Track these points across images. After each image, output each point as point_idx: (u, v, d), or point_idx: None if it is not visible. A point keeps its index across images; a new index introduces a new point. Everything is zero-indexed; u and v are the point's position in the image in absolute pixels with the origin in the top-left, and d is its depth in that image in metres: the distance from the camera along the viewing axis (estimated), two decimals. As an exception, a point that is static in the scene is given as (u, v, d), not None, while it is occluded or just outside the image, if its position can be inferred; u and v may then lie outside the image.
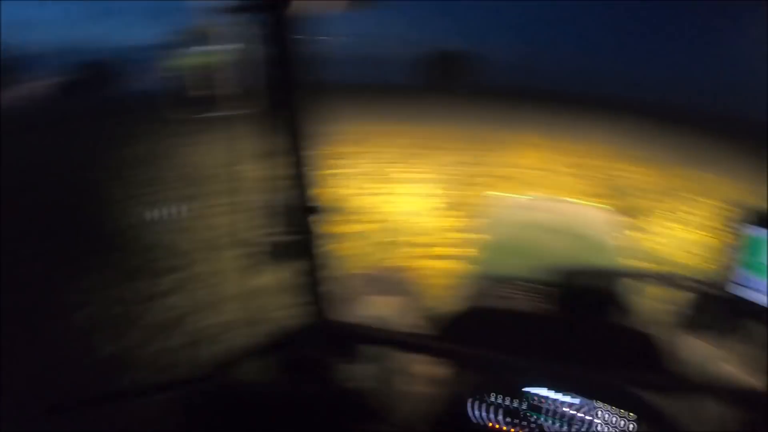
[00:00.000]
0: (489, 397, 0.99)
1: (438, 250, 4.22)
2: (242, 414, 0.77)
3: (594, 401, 0.96)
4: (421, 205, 5.41)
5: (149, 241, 4.21)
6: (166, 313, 3.09)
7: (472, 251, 1.80)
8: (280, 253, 0.99)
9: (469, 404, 0.99)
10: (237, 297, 3.22)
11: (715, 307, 0.79)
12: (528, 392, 0.99)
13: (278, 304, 2.57)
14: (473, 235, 1.93)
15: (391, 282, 1.87)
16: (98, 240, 4.16)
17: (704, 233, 4.58)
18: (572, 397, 0.97)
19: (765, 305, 0.67)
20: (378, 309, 1.53)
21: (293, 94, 0.85)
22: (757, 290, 0.68)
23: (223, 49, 0.87)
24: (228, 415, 0.77)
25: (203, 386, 0.81)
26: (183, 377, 0.80)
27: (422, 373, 1.48)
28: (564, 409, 0.97)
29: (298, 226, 0.93)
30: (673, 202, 6.03)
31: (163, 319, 3.01)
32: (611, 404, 0.95)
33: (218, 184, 5.92)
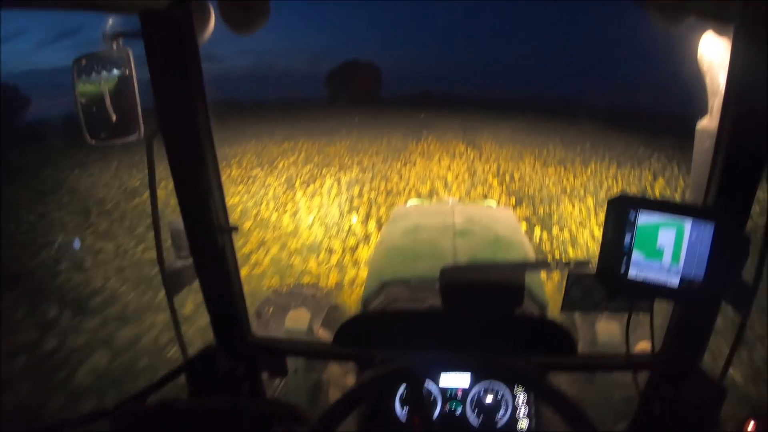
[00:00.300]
0: (405, 393, 1.04)
1: (344, 259, 4.31)
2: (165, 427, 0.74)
3: (504, 387, 1.04)
4: (325, 215, 5.56)
5: (55, 268, 4.06)
6: (79, 339, 2.98)
7: (377, 257, 1.83)
8: (188, 275, 0.97)
9: (388, 402, 1.03)
10: (152, 319, 3.07)
11: (612, 290, 0.90)
12: (441, 385, 1.04)
13: (193, 325, 2.51)
14: (381, 243, 1.94)
15: (301, 296, 1.89)
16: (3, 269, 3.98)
17: (600, 221, 5.08)
18: (483, 385, 1.04)
19: (658, 285, 0.76)
20: (291, 322, 1.54)
21: (192, 116, 0.86)
22: (650, 272, 0.76)
23: (121, 75, 0.85)
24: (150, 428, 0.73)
25: (128, 409, 0.76)
26: (106, 404, 0.75)
27: (346, 379, 1.51)
28: (477, 397, 1.03)
29: (205, 247, 0.92)
30: (571, 194, 6.84)
31: (79, 345, 2.91)
32: (520, 389, 1.05)
33: (121, 209, 5.75)
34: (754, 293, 0.89)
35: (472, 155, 10.44)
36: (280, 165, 8.84)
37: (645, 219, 0.76)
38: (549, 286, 2.84)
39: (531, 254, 1.76)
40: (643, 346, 1.20)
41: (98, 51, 0.96)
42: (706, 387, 0.92)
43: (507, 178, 8.10)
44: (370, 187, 7.12)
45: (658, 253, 0.76)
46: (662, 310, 0.96)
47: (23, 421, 2.12)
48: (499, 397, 1.02)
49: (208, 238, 0.89)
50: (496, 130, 14.67)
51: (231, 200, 6.10)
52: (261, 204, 6.20)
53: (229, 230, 0.91)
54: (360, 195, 6.60)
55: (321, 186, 7.15)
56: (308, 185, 7.24)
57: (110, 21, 0.94)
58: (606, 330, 1.35)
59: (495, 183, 7.64)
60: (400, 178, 7.89)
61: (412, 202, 2.80)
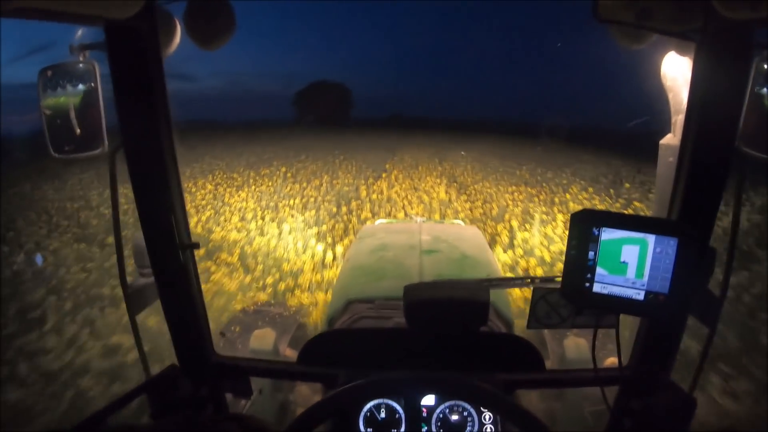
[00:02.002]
0: (371, 413, 1.01)
1: (312, 278, 4.25)
2: None
3: (469, 406, 1.02)
4: (292, 234, 5.50)
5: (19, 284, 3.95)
6: (46, 358, 2.89)
7: (343, 275, 1.81)
8: (151, 292, 0.94)
9: (352, 422, 1.01)
10: (114, 337, 3.00)
11: (578, 305, 0.90)
12: (410, 403, 1.02)
13: (157, 344, 2.45)
14: (347, 261, 1.94)
15: (268, 315, 1.86)
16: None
17: (564, 237, 5.25)
18: (449, 404, 1.01)
19: (623, 300, 0.76)
20: (256, 342, 1.51)
21: (156, 131, 0.84)
22: (615, 287, 0.77)
23: (87, 88, 0.83)
24: None
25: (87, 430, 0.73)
26: (70, 424, 0.72)
27: (314, 397, 1.48)
28: (443, 416, 1.01)
29: (167, 264, 0.90)
30: (537, 209, 7.02)
31: (46, 366, 2.80)
32: (487, 407, 1.03)
33: (86, 224, 5.64)
34: (720, 306, 0.90)
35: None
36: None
37: (608, 235, 0.76)
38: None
39: (497, 272, 1.77)
40: (612, 360, 1.20)
41: (64, 62, 0.94)
42: (676, 399, 0.92)
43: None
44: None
45: (622, 268, 0.77)
46: (630, 324, 0.96)
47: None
48: (465, 415, 1.01)
49: (170, 255, 0.87)
50: (467, 149, 15.14)
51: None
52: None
53: (191, 247, 0.89)
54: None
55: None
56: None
57: (79, 32, 0.93)
58: (574, 345, 1.35)
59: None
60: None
61: (380, 221, 2.79)
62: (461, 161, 13.26)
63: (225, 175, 9.78)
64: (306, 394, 1.46)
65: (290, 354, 1.57)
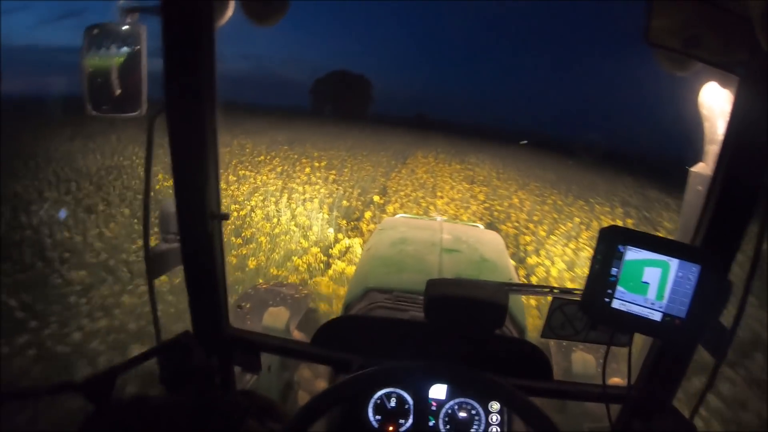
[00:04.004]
0: (381, 401, 1.03)
1: (329, 263, 4.30)
2: (138, 424, 0.72)
3: (478, 405, 1.03)
4: (313, 220, 5.52)
5: (40, 242, 3.96)
6: (58, 316, 2.93)
7: (363, 264, 1.82)
8: (171, 259, 0.95)
9: (361, 409, 1.02)
10: (132, 303, 3.03)
11: (595, 319, 0.91)
12: (420, 395, 1.04)
13: (173, 312, 2.47)
14: (367, 250, 1.94)
15: (279, 294, 1.87)
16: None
17: (586, 254, 5.13)
18: (458, 400, 1.03)
19: (640, 319, 0.77)
20: (270, 320, 1.52)
21: (200, 101, 0.85)
22: (635, 305, 0.77)
23: (131, 50, 0.84)
24: (123, 425, 0.71)
25: (98, 383, 0.74)
26: (78, 382, 0.73)
27: (316, 383, 1.49)
28: (451, 411, 1.03)
29: (195, 233, 0.91)
30: (557, 225, 6.95)
31: (56, 323, 2.85)
32: (495, 407, 1.04)
33: (115, 187, 5.72)
34: (731, 338, 0.91)
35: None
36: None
37: (633, 254, 0.77)
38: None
39: (515, 278, 1.77)
40: (615, 381, 1.21)
41: (112, 23, 0.95)
42: (677, 424, 0.93)
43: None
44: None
45: (642, 288, 0.77)
46: (637, 346, 0.97)
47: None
48: (473, 413, 1.02)
49: (199, 224, 0.88)
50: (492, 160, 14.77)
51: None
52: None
53: (221, 218, 0.90)
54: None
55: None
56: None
57: (123, -5, 0.94)
58: (582, 360, 1.36)
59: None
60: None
61: (401, 215, 2.80)
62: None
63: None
64: (307, 377, 1.47)
65: (298, 335, 1.58)
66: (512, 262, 1.94)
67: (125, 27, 0.94)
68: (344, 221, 5.84)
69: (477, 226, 2.59)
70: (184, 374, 0.85)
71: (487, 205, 7.90)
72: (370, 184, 8.46)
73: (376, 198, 6.92)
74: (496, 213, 7.33)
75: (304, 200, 6.38)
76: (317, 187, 7.34)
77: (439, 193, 8.51)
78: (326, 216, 5.78)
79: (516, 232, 6.12)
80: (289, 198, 6.48)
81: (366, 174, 9.45)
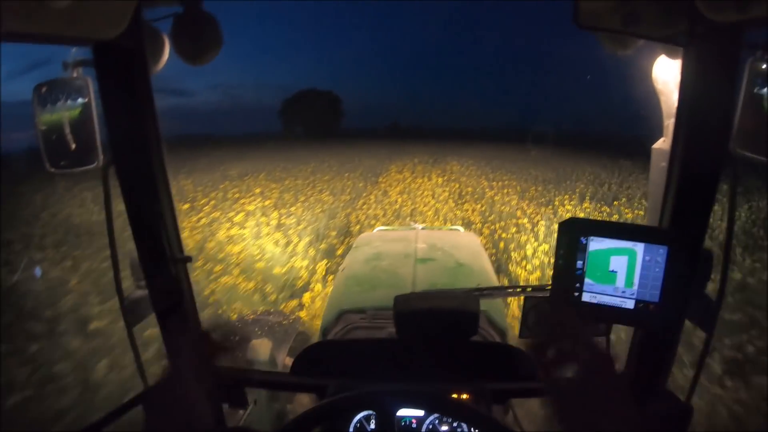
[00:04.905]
0: (361, 424, 1.01)
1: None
2: None
3: (460, 417, 1.03)
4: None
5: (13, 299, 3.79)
6: (43, 368, 2.82)
7: (337, 285, 1.81)
8: (148, 304, 0.96)
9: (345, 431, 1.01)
10: (111, 347, 3.00)
11: (566, 314, 0.90)
12: (400, 415, 1.01)
13: (155, 353, 2.44)
14: (342, 270, 1.93)
15: (266, 323, 1.87)
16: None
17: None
18: (440, 416, 1.00)
19: (613, 309, 0.76)
20: (252, 353, 1.52)
21: (145, 146, 0.85)
22: (605, 296, 0.76)
23: (81, 103, 0.85)
24: None
25: None
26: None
27: (304, 408, 1.48)
28: (432, 426, 1.00)
29: (160, 277, 0.91)
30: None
31: (42, 375, 2.77)
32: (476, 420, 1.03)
33: (80, 238, 5.49)
34: (717, 310, 0.89)
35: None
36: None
37: (596, 244, 0.75)
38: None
39: (492, 280, 1.75)
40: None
41: (58, 78, 0.96)
42: (673, 407, 0.91)
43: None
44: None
45: (611, 278, 0.76)
46: (626, 332, 0.96)
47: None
48: (454, 425, 1.00)
49: (162, 268, 0.88)
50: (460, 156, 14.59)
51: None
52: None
53: (184, 261, 0.90)
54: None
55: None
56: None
57: (73, 49, 0.95)
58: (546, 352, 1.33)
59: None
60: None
61: (379, 228, 2.78)
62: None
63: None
64: (305, 403, 1.46)
65: (290, 363, 1.58)
66: (489, 263, 1.91)
67: (72, 81, 0.95)
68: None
69: (457, 230, 2.57)
70: (170, 418, 0.85)
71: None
72: (325, 228, 6.26)
73: (306, 298, 4.08)
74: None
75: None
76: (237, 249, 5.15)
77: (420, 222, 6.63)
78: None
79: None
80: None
81: (321, 210, 7.12)
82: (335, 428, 0.97)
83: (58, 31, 0.75)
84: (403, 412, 1.00)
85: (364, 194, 9.17)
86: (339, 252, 5.09)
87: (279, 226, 6.14)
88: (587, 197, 8.03)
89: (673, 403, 0.90)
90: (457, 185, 10.05)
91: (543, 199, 8.11)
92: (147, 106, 0.83)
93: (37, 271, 4.48)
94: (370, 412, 0.99)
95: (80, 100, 0.97)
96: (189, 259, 0.91)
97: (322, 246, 5.50)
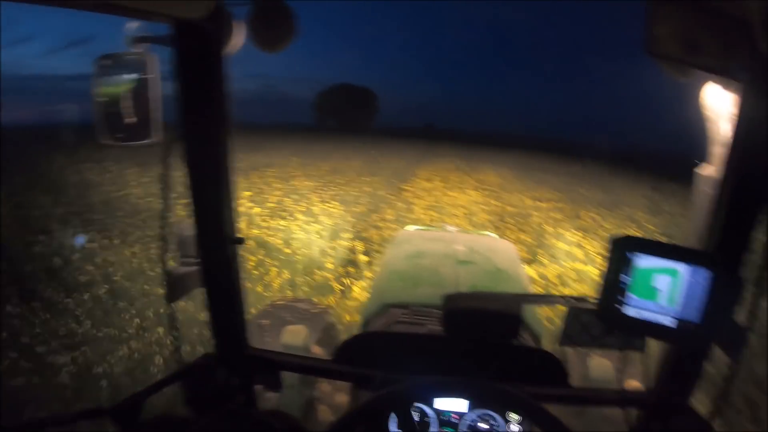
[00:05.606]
0: (402, 416, 1.04)
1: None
2: None
3: (498, 417, 1.03)
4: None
5: (62, 270, 3.96)
6: (84, 343, 2.93)
7: (380, 279, 1.83)
8: (190, 281, 0.97)
9: (382, 424, 1.03)
10: (154, 326, 3.05)
11: (610, 326, 0.89)
12: (437, 408, 1.05)
13: (195, 334, 2.48)
14: (384, 265, 1.95)
15: (297, 311, 1.89)
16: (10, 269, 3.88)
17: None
18: (479, 412, 1.03)
19: (654, 325, 0.78)
20: (289, 337, 1.54)
21: (214, 127, 0.88)
22: (647, 311, 0.78)
23: (143, 79, 0.86)
24: None
25: (126, 409, 0.76)
26: (105, 408, 0.75)
27: (336, 397, 1.50)
28: (471, 423, 1.04)
29: (213, 256, 0.93)
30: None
31: (83, 349, 2.85)
32: (514, 419, 1.03)
33: (134, 213, 5.68)
34: (746, 337, 0.91)
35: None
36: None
37: (642, 262, 0.78)
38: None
39: (529, 287, 1.78)
40: (632, 384, 1.21)
41: (123, 53, 0.98)
42: (695, 426, 0.93)
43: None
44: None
45: (654, 294, 0.78)
46: (653, 348, 0.98)
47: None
48: (493, 424, 1.03)
49: (217, 247, 0.91)
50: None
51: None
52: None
53: (237, 242, 0.93)
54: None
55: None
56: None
57: (135, 25, 0.97)
58: (599, 365, 1.36)
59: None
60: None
61: (413, 227, 2.82)
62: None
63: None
64: (327, 391, 1.48)
65: (318, 351, 1.60)
66: (525, 272, 1.94)
67: (135, 56, 0.97)
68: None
69: (490, 235, 2.59)
70: (207, 396, 0.87)
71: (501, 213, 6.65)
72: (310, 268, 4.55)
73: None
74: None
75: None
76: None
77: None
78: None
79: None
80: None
81: (317, 232, 5.37)
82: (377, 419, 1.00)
83: (143, 6, 0.77)
84: (446, 406, 1.03)
85: (383, 206, 7.76)
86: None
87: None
88: (651, 228, 7.13)
89: (697, 421, 0.92)
90: (498, 204, 8.67)
91: (603, 232, 6.62)
92: (220, 88, 0.85)
93: (79, 240, 4.57)
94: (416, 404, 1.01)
95: (142, 76, 1.00)
96: (242, 240, 0.93)
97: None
